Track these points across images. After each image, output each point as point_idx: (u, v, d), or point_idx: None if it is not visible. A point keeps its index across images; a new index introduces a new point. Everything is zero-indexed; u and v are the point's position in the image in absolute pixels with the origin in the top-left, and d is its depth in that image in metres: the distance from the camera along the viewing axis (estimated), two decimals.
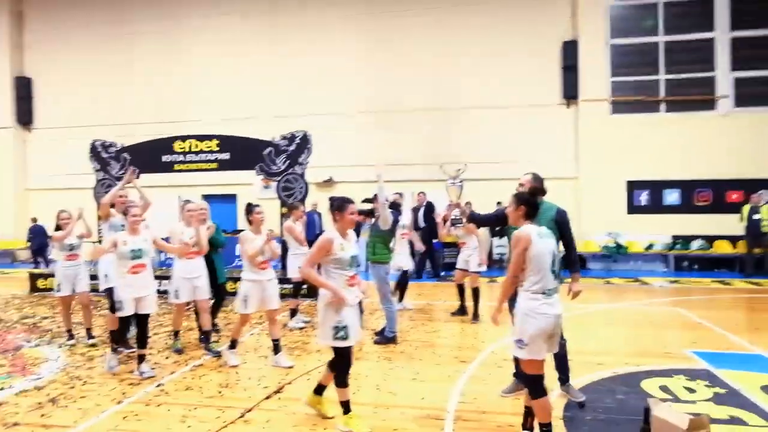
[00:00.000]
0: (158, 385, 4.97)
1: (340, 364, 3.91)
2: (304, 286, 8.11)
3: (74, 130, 16.54)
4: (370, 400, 4.56)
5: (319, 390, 4.20)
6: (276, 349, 5.59)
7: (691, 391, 4.77)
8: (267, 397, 4.61)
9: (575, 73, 13.92)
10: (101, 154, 11.06)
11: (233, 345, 5.66)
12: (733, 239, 13.20)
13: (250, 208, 5.68)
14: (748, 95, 13.32)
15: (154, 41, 16.49)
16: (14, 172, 17.31)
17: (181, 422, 4.11)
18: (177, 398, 4.64)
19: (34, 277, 10.94)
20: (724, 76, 13.38)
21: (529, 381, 3.51)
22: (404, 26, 15.08)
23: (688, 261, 13.53)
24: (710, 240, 13.45)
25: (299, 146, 10.28)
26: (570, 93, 14.03)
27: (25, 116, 17.30)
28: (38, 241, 15.37)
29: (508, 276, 3.58)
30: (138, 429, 4.00)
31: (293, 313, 7.47)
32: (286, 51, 15.68)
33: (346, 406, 3.95)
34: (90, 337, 6.60)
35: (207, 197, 16.15)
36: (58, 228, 6.46)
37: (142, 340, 5.35)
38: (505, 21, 14.49)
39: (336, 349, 3.88)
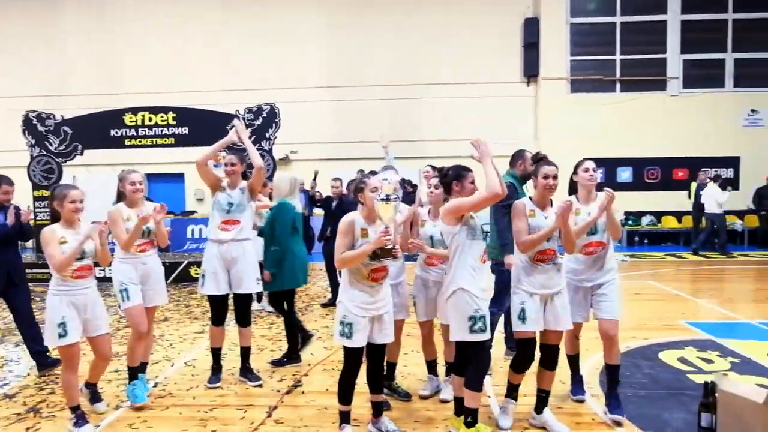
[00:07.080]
0: (155, 385, 4.40)
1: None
2: None
3: None
4: None
5: (460, 408, 3.35)
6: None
7: (709, 361, 4.84)
8: (288, 392, 4.19)
9: (537, 50, 13.97)
10: (37, 127, 9.81)
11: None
12: (679, 214, 13.96)
13: None
14: (695, 77, 13.95)
15: (86, 3, 14.89)
16: None
17: (201, 426, 3.62)
18: (184, 399, 4.11)
19: None
20: (674, 58, 13.92)
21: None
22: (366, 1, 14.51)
23: (638, 236, 14.16)
24: (658, 216, 14.16)
25: (266, 120, 9.60)
26: (531, 71, 14.08)
27: None
28: None
29: None
30: None
31: (260, 297, 7.10)
32: (240, 19, 14.65)
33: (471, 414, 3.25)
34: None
35: (151, 177, 14.99)
36: (120, 198, 4.08)
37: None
38: None
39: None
